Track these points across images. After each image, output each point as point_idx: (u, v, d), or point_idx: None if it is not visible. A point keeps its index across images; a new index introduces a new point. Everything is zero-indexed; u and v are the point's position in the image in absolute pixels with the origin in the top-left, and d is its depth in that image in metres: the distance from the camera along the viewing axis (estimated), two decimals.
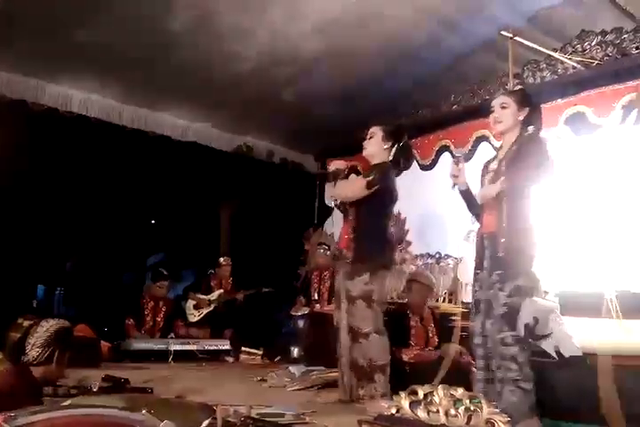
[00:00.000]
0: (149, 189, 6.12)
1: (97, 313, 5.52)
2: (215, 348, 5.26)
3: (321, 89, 5.53)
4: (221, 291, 6.03)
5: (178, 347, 5.02)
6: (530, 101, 2.82)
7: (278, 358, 5.33)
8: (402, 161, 3.49)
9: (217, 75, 5.37)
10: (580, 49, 4.58)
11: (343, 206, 3.49)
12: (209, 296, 5.99)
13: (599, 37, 4.51)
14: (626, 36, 4.42)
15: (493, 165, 2.80)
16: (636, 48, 4.30)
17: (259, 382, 4.07)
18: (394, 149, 3.42)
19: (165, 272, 5.62)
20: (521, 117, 2.75)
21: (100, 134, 5.67)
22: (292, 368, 4.28)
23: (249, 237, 6.71)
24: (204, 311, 5.90)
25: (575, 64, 4.55)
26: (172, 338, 5.35)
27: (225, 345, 5.32)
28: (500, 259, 2.61)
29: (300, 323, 5.57)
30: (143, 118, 6.06)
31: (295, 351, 5.27)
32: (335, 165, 3.51)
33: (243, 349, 5.47)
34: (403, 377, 3.34)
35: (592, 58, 4.46)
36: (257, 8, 4.51)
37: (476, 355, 2.75)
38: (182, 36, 4.74)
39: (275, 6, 4.49)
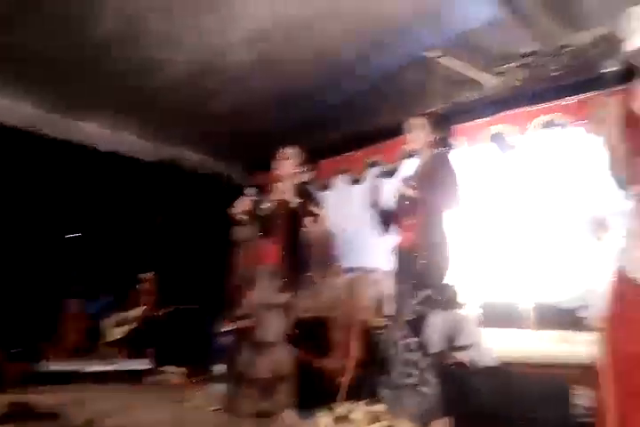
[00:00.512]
0: (70, 201, 5.84)
1: (6, 334, 5.16)
2: (136, 367, 5.04)
3: (251, 101, 5.48)
4: (144, 307, 5.80)
5: (95, 368, 4.78)
6: (440, 123, 2.94)
7: (202, 376, 5.15)
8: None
9: (145, 83, 5.23)
10: (502, 70, 4.75)
11: (272, 220, 3.41)
12: (130, 313, 5.74)
13: (520, 59, 4.70)
14: (545, 58, 4.62)
15: (411, 182, 2.87)
16: (555, 70, 4.50)
17: (181, 402, 3.91)
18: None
19: (83, 289, 5.36)
20: (434, 138, 2.85)
21: (20, 143, 5.38)
22: (216, 387, 4.14)
23: (175, 252, 6.51)
24: (125, 329, 5.64)
25: (497, 85, 4.72)
26: (89, 358, 5.08)
27: (146, 364, 5.10)
28: (416, 271, 2.72)
29: (227, 339, 5.41)
30: (65, 127, 5.80)
31: (221, 369, 5.11)
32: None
33: (165, 368, 5.25)
34: (318, 388, 3.33)
35: (515, 78, 4.63)
36: (187, 17, 4.44)
37: (391, 363, 2.77)
38: (107, 43, 4.60)
39: (205, 16, 4.42)
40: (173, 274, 6.28)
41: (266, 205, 3.38)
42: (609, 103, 1.91)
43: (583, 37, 4.47)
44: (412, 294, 2.70)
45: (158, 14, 4.37)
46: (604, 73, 1.88)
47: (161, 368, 5.23)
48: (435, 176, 2.76)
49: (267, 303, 3.19)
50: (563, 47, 4.50)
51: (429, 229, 2.76)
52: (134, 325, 5.68)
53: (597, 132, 1.99)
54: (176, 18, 4.43)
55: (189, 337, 5.64)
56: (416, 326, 2.65)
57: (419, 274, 2.70)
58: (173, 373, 5.22)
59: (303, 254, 3.38)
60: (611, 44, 2.00)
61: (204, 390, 4.27)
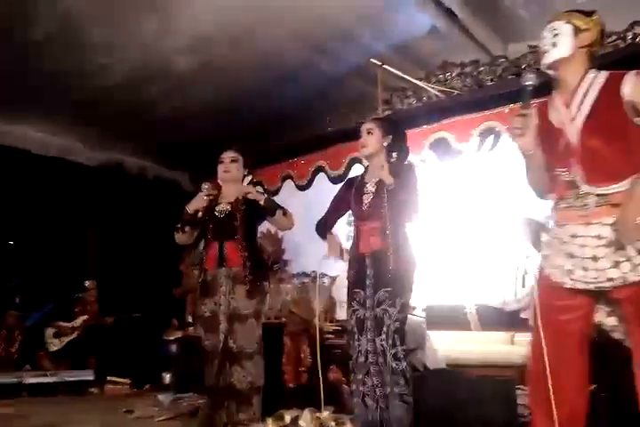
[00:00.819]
0: (5, 207, 5.63)
1: None
2: (78, 378, 4.90)
3: (195, 106, 5.44)
4: (85, 317, 5.64)
5: (34, 380, 4.61)
6: (393, 128, 2.95)
7: (147, 386, 5.06)
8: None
9: (85, 88, 5.11)
10: (442, 79, 4.90)
11: (230, 222, 3.25)
12: (72, 323, 5.57)
13: (459, 69, 4.86)
14: (482, 68, 4.80)
15: (371, 188, 2.86)
16: (491, 80, 4.68)
17: (125, 413, 3.83)
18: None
19: (19, 299, 5.17)
20: (385, 143, 2.87)
21: None
22: (161, 396, 4.09)
23: (119, 259, 6.36)
24: (66, 340, 5.46)
25: (437, 93, 4.86)
26: (27, 370, 4.90)
27: (88, 375, 4.97)
28: (387, 277, 2.67)
29: (173, 348, 5.33)
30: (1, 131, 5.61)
31: (167, 378, 5.04)
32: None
33: (108, 378, 5.12)
34: (281, 398, 3.31)
35: (452, 87, 4.78)
36: (128, 22, 4.37)
37: (359, 372, 2.73)
38: (45, 46, 4.47)
39: (146, 21, 4.37)
40: (116, 282, 6.13)
41: (221, 207, 3.25)
42: (527, 114, 1.97)
43: (518, 49, 4.68)
44: (388, 300, 2.66)
45: (98, 18, 4.29)
46: (526, 84, 1.96)
47: (105, 379, 5.10)
48: (396, 181, 2.70)
49: (237, 313, 3.05)
50: (498, 58, 4.69)
51: (394, 233, 2.73)
52: (76, 334, 5.52)
53: (515, 142, 2.04)
54: (116, 22, 4.36)
55: (134, 346, 5.52)
56: (401, 334, 2.63)
57: (393, 280, 2.67)
58: (117, 383, 5.10)
59: (263, 258, 3.29)
60: (540, 55, 2.09)
61: (149, 400, 4.19)
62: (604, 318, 1.99)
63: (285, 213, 3.16)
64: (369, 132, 2.89)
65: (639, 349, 1.88)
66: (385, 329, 2.65)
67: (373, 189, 2.86)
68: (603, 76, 1.98)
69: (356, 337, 2.76)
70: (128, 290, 6.14)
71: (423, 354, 3.39)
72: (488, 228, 4.48)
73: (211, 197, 3.18)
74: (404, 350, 2.63)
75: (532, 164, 2.07)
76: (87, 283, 5.82)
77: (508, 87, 4.16)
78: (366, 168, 3.03)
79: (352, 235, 2.96)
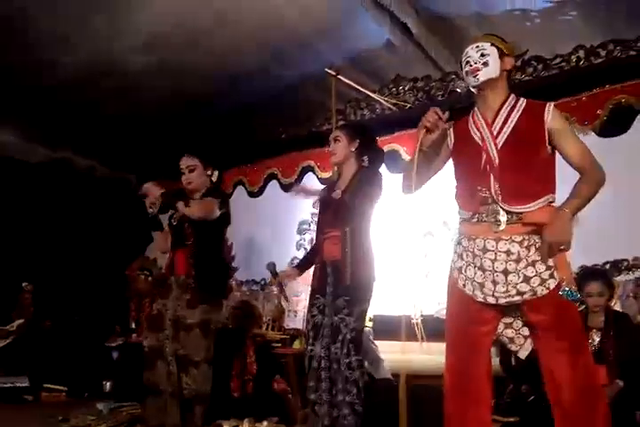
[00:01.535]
0: None
1: None
2: (10, 386, 4.68)
3: (149, 106, 5.35)
4: (21, 321, 5.42)
5: None
6: (360, 133, 2.94)
7: (86, 394, 4.90)
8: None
9: (31, 84, 4.95)
10: (395, 92, 5.00)
11: (181, 230, 3.23)
12: (7, 327, 5.35)
13: (411, 83, 4.98)
14: (433, 83, 4.92)
15: (336, 195, 2.84)
16: (442, 95, 4.80)
17: (60, 422, 3.69)
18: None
19: None
20: (353, 149, 2.87)
21: None
22: (100, 405, 3.97)
23: (60, 261, 6.16)
24: (1, 344, 5.24)
25: (390, 106, 4.94)
26: None
27: (23, 382, 4.76)
28: (346, 285, 2.69)
29: (115, 354, 5.19)
30: None
31: (107, 386, 4.89)
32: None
33: (45, 385, 4.93)
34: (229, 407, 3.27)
35: (405, 101, 4.88)
36: (78, 17, 4.26)
37: (311, 379, 2.72)
38: None
39: (99, 17, 4.28)
40: (56, 285, 5.93)
41: (176, 215, 3.21)
42: (443, 117, 2.00)
43: None
44: (347, 308, 2.66)
45: (47, 13, 4.17)
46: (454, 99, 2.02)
47: (41, 386, 4.90)
48: (366, 191, 2.74)
49: (182, 322, 3.02)
50: (449, 74, 4.82)
51: (360, 243, 2.74)
52: (11, 339, 5.30)
53: (419, 132, 2.04)
54: (67, 19, 4.25)
55: (73, 352, 5.34)
56: (357, 343, 2.64)
57: (352, 288, 2.68)
58: (54, 390, 4.92)
59: (217, 265, 3.19)
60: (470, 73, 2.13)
61: (87, 408, 4.06)
62: (502, 329, 2.06)
63: (187, 203, 3.04)
64: (336, 140, 2.89)
65: (547, 356, 1.96)
66: (340, 338, 2.65)
67: (338, 198, 2.84)
68: (523, 101, 2.08)
69: (311, 342, 2.76)
70: (68, 294, 5.95)
71: (370, 364, 3.41)
72: (430, 239, 4.57)
73: (151, 208, 3.13)
74: (357, 359, 2.64)
75: (421, 160, 2.08)
76: (25, 284, 5.60)
77: (459, 103, 4.28)
78: (339, 174, 3.01)
79: (302, 243, 2.97)
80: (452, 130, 2.18)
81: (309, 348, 2.75)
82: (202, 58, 4.79)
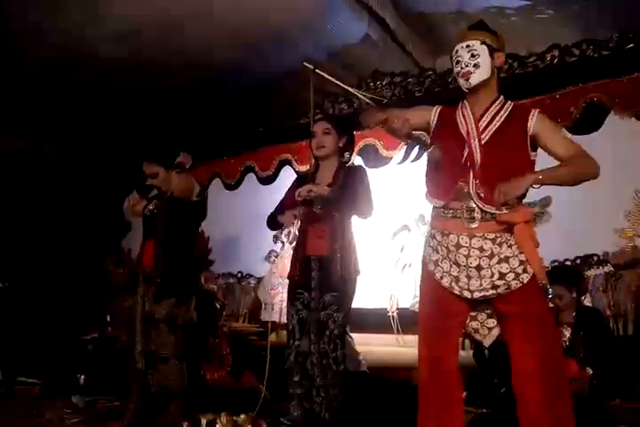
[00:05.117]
0: None
1: None
2: None
3: (120, 100, 5.27)
4: None
5: None
6: (348, 129, 2.92)
7: (60, 387, 4.86)
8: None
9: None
10: (372, 87, 5.01)
11: (153, 220, 3.20)
12: None
13: (389, 78, 5.00)
14: (411, 79, 4.95)
15: (325, 191, 2.70)
16: (419, 91, 4.84)
17: (34, 416, 3.66)
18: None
19: None
20: (341, 144, 2.82)
21: None
22: (75, 398, 3.94)
23: (32, 254, 6.05)
24: None
25: (368, 100, 4.95)
26: None
27: None
28: (334, 281, 2.65)
29: (90, 347, 5.15)
30: None
31: (82, 379, 4.85)
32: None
33: (18, 379, 4.88)
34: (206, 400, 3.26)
35: (382, 96, 4.89)
36: (50, 7, 4.18)
37: (296, 374, 2.70)
38: None
39: (71, 7, 4.20)
40: (31, 278, 5.84)
41: (149, 206, 3.18)
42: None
43: (446, 62, 4.85)
44: (335, 304, 2.64)
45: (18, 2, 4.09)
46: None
47: (12, 379, 4.85)
48: (352, 186, 2.69)
49: (150, 317, 2.99)
50: (427, 70, 4.86)
51: (345, 238, 2.71)
52: None
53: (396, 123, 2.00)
54: (38, 8, 4.17)
55: (47, 344, 5.28)
56: (342, 338, 2.65)
57: (340, 285, 2.66)
58: (28, 384, 4.87)
59: (184, 258, 3.13)
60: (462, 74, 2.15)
61: (62, 402, 4.03)
62: (469, 321, 2.10)
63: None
64: (326, 133, 2.80)
65: (515, 345, 2.00)
66: (328, 333, 2.64)
67: (322, 193, 2.71)
68: (510, 104, 2.11)
69: (297, 336, 2.71)
70: (43, 287, 5.87)
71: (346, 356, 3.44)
72: (406, 233, 4.63)
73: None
74: (342, 353, 2.64)
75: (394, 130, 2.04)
76: None
77: (436, 99, 4.31)
78: (317, 167, 2.91)
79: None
80: (437, 110, 2.16)
81: (296, 343, 2.71)
82: (178, 51, 4.73)
